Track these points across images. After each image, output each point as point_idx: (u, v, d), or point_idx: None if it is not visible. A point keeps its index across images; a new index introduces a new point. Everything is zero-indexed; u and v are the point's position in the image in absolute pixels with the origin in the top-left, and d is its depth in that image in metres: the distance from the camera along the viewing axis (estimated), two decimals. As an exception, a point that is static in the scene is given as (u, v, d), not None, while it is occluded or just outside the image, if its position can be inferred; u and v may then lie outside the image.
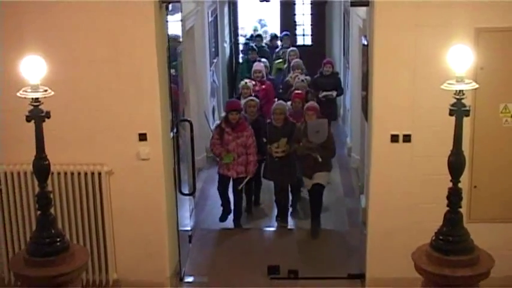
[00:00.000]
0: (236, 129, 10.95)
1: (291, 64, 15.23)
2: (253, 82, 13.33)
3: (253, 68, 14.38)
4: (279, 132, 11.14)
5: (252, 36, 20.93)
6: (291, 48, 16.71)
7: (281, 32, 20.67)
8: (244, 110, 11.69)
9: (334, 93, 14.44)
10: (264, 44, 19.48)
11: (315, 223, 11.16)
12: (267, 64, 15.69)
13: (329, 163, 11.15)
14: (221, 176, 11.34)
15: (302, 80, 13.64)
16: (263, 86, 13.80)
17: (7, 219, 8.81)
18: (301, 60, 15.29)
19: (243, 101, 12.12)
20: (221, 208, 11.56)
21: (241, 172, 11.08)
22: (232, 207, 11.57)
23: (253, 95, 12.60)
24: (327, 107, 13.55)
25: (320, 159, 10.64)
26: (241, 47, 21.00)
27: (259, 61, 15.46)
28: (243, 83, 13.09)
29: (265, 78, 14.21)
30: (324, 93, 14.21)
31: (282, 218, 11.64)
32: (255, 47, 17.91)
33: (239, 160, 10.98)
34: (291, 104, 12.22)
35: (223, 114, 13.73)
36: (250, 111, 11.72)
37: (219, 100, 16.50)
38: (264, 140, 11.30)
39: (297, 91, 12.66)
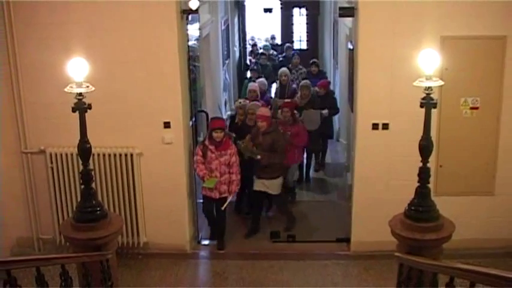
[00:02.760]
0: (220, 148, 9.01)
1: (300, 84, 12.74)
2: (248, 101, 11.25)
3: (248, 88, 12.29)
4: (248, 131, 9.79)
5: (257, 55, 18.88)
6: (282, 69, 13.93)
7: (282, 40, 20.63)
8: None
9: (326, 111, 12.08)
10: (268, 63, 16.95)
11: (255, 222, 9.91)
12: (265, 82, 13.43)
13: (280, 168, 9.58)
14: (204, 197, 9.30)
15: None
16: None
17: (57, 192, 8.88)
18: (308, 81, 12.67)
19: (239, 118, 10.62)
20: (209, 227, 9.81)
21: (224, 192, 9.14)
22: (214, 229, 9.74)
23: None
24: (321, 125, 11.89)
25: (259, 157, 9.26)
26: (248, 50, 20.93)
27: (254, 81, 13.39)
28: (237, 103, 11.20)
29: (259, 98, 11.89)
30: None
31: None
32: (254, 67, 15.87)
33: (222, 179, 9.06)
34: (281, 113, 10.59)
35: (233, 106, 13.21)
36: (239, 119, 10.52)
37: (230, 94, 16.49)
38: (233, 135, 9.82)
39: (286, 100, 11.37)
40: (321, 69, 15.95)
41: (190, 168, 9.11)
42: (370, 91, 8.42)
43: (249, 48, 20.80)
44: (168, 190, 8.80)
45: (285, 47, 18.96)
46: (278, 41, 21.79)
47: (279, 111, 10.82)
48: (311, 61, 15.40)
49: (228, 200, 9.26)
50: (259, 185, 9.54)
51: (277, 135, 9.48)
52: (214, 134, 8.97)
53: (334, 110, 12.56)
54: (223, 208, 9.23)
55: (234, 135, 9.83)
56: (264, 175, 9.45)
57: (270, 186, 9.52)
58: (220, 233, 9.50)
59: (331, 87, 14.92)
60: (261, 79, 13.69)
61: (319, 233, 9.69)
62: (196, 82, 10.05)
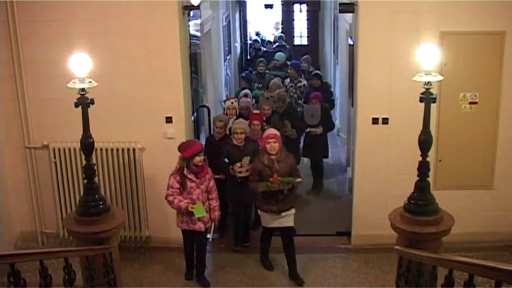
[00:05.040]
0: (200, 175, 7.91)
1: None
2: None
3: (241, 104, 10.53)
4: (241, 152, 8.71)
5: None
6: (273, 80, 12.57)
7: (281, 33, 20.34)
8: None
9: (320, 130, 10.86)
10: (267, 71, 14.36)
11: (293, 266, 8.39)
12: (248, 98, 11.29)
13: (294, 195, 8.30)
14: (186, 233, 8.16)
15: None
16: None
17: (60, 186, 8.90)
18: (282, 92, 11.34)
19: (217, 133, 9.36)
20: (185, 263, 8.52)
21: (207, 221, 8.08)
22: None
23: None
24: (315, 143, 11.02)
25: (299, 180, 8.02)
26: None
27: (246, 95, 11.45)
28: (217, 121, 9.43)
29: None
30: (309, 129, 10.89)
31: (239, 241, 9.20)
32: (243, 74, 14.02)
33: (204, 208, 7.96)
34: (249, 125, 9.29)
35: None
36: (217, 131, 9.31)
37: (231, 90, 16.46)
38: (226, 160, 8.79)
39: (255, 111, 10.14)
40: (325, 82, 13.50)
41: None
42: (370, 86, 8.41)
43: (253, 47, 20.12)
44: (170, 184, 8.83)
45: (302, 60, 14.96)
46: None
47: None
48: (313, 73, 13.30)
49: (213, 229, 8.32)
50: (274, 221, 8.17)
51: (289, 158, 8.15)
52: (198, 159, 7.81)
53: (328, 126, 11.19)
54: (211, 239, 8.40)
55: (205, 157, 8.17)
56: (284, 206, 8.05)
57: (287, 218, 8.15)
58: (202, 269, 8.38)
59: (332, 84, 14.90)
60: (244, 91, 12.04)
61: (320, 227, 9.68)
62: (198, 85, 9.89)
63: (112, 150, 8.73)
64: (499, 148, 8.55)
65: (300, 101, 12.44)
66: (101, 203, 6.39)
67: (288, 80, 13.23)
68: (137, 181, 8.85)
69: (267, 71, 14.46)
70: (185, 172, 7.86)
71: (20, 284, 4.75)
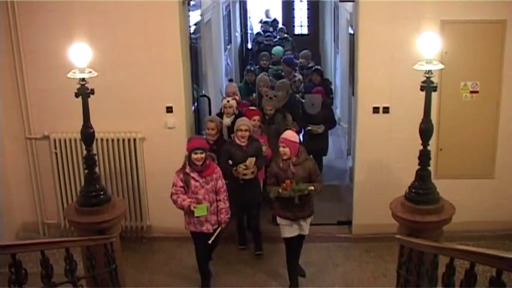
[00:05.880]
0: (204, 173, 7.41)
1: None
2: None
3: (227, 89, 10.32)
4: (245, 152, 8.17)
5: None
6: (259, 76, 11.61)
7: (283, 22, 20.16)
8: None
9: (321, 129, 10.42)
10: (270, 66, 13.50)
11: (295, 271, 7.95)
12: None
13: (312, 201, 7.75)
14: (195, 235, 7.68)
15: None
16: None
17: (61, 177, 8.91)
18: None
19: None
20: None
21: (214, 223, 7.58)
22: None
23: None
24: (315, 141, 10.46)
25: (311, 188, 7.28)
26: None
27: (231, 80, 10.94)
28: (208, 122, 8.83)
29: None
30: (310, 126, 10.43)
31: (242, 240, 9.07)
32: (251, 68, 13.13)
33: (210, 209, 7.48)
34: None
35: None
36: (209, 133, 8.66)
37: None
38: (230, 162, 8.18)
39: (251, 108, 9.61)
40: (326, 78, 12.96)
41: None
42: (371, 75, 8.40)
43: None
44: (171, 174, 8.72)
45: (300, 56, 14.13)
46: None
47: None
48: (313, 68, 12.68)
49: (217, 233, 7.65)
50: (294, 229, 7.62)
51: (308, 161, 7.56)
52: (194, 156, 7.32)
53: (331, 123, 10.73)
54: (210, 242, 7.65)
55: (214, 155, 7.83)
56: (302, 212, 7.55)
57: (306, 226, 7.69)
58: (206, 272, 8.08)
59: (332, 73, 14.84)
60: (230, 83, 11.66)
61: (321, 216, 9.61)
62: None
63: (112, 140, 8.72)
64: (500, 137, 8.55)
65: (297, 95, 12.16)
66: (101, 193, 6.41)
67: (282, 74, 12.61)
68: (138, 171, 8.85)
69: (270, 66, 13.78)
70: (187, 170, 7.43)
71: (21, 274, 4.75)
